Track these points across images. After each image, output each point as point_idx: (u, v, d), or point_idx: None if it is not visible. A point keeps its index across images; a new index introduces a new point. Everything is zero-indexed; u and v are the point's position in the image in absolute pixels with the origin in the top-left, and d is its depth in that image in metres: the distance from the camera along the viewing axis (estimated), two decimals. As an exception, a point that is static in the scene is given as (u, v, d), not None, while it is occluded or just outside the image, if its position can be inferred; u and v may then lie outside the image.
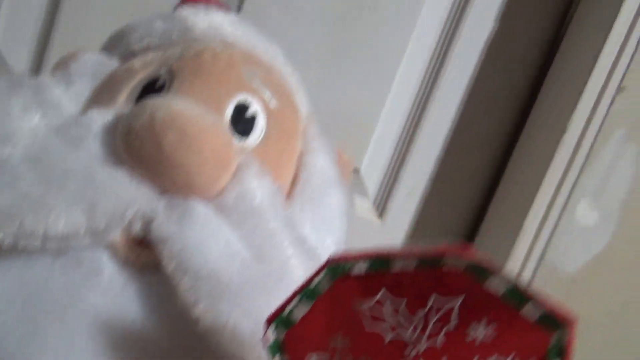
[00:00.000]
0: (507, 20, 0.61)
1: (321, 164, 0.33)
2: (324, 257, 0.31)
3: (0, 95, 0.28)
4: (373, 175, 0.65)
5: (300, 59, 0.61)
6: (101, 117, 0.28)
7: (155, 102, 0.27)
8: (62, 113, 0.29)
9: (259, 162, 0.29)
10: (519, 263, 0.57)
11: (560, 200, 0.56)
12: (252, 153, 0.31)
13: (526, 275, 0.57)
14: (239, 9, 0.60)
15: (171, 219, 0.26)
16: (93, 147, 0.27)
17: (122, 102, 0.31)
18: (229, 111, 0.31)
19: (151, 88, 0.31)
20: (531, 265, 0.57)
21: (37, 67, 0.59)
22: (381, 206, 0.66)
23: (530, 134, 0.61)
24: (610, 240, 0.56)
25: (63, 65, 0.33)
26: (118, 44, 0.35)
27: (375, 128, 0.63)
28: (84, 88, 0.32)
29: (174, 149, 0.25)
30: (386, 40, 0.61)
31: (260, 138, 0.31)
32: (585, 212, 0.56)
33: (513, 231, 0.57)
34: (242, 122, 0.31)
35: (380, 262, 0.19)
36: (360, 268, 0.19)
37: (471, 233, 0.66)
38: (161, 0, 0.58)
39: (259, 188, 0.28)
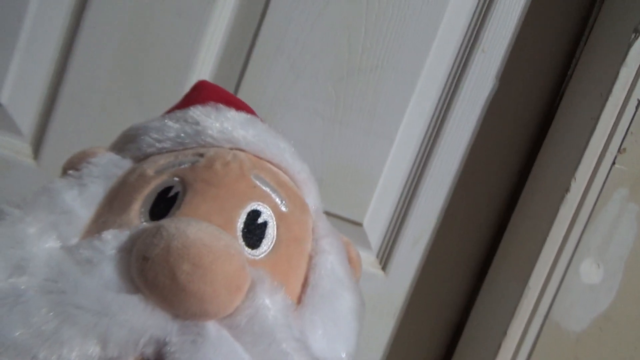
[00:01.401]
0: (507, 78, 0.63)
1: (331, 265, 0.33)
2: None
3: (15, 220, 0.28)
4: (376, 228, 0.65)
5: (303, 114, 0.62)
6: (115, 240, 0.28)
7: (170, 229, 0.27)
8: (76, 223, 0.29)
9: (270, 277, 0.29)
10: (524, 321, 0.57)
11: (564, 258, 0.56)
12: (263, 263, 0.31)
13: (531, 334, 0.57)
14: (244, 67, 0.61)
15: (184, 344, 0.26)
16: (107, 272, 0.27)
17: (136, 212, 0.31)
18: (241, 222, 0.31)
19: (164, 197, 0.31)
20: (536, 323, 0.57)
21: (43, 127, 0.59)
22: (384, 259, 0.66)
23: (533, 192, 0.62)
24: (615, 299, 0.57)
25: (77, 163, 0.33)
26: (130, 146, 0.36)
27: (378, 182, 0.64)
28: (97, 191, 0.32)
29: (188, 280, 0.26)
30: (389, 96, 0.62)
31: (272, 246, 0.32)
32: (589, 271, 0.56)
33: (518, 289, 0.57)
34: (253, 232, 0.32)
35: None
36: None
37: (475, 289, 0.66)
38: (162, 56, 0.59)
39: (271, 306, 0.28)
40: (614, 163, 0.55)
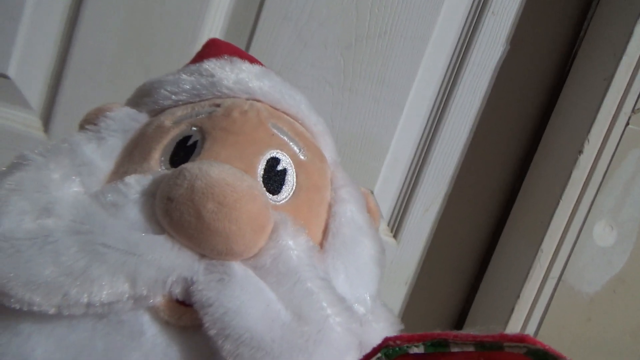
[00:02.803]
0: (518, 42, 0.62)
1: (350, 214, 0.33)
2: (360, 312, 0.31)
3: (39, 166, 0.28)
4: (387, 196, 0.65)
5: (312, 83, 0.61)
6: (138, 184, 0.28)
7: (193, 170, 0.27)
8: (97, 174, 0.29)
9: (292, 219, 0.30)
10: (538, 284, 0.57)
11: (578, 221, 0.56)
12: (285, 209, 0.31)
13: (544, 297, 0.57)
14: (250, 36, 0.60)
15: (211, 282, 0.26)
16: (132, 214, 0.27)
17: (156, 160, 0.31)
18: (261, 168, 0.31)
19: (183, 145, 0.32)
20: (549, 286, 0.57)
21: (51, 100, 0.59)
22: (396, 227, 0.66)
23: (546, 154, 0.61)
24: (629, 261, 0.57)
25: (94, 118, 0.33)
26: (147, 99, 0.35)
27: (388, 149, 0.63)
28: (115, 144, 0.32)
29: (213, 218, 0.26)
30: (398, 62, 0.61)
31: (292, 192, 0.32)
32: (602, 233, 0.56)
33: (531, 252, 0.57)
34: (273, 178, 0.32)
35: (438, 345, 0.19)
36: (417, 349, 0.19)
37: (488, 253, 0.66)
38: (173, 26, 0.59)
39: (295, 247, 0.28)
40: (627, 123, 0.54)
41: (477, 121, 0.63)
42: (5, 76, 0.58)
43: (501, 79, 0.62)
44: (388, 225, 0.66)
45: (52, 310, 0.24)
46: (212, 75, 0.34)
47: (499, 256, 0.63)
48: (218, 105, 0.33)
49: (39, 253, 0.25)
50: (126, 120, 0.33)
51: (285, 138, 0.34)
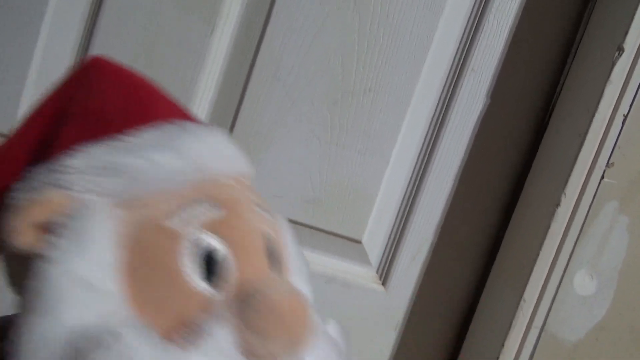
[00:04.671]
0: (498, 96, 0.64)
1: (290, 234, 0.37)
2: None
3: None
4: (375, 245, 0.67)
5: (300, 137, 0.64)
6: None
7: (280, 295, 0.28)
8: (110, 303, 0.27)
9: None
10: (521, 333, 0.58)
11: (558, 271, 0.58)
12: None
13: (529, 346, 0.58)
14: (242, 94, 0.63)
15: None
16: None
17: (189, 282, 0.29)
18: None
19: (209, 259, 0.30)
20: (533, 335, 0.58)
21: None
22: (384, 275, 0.68)
23: (526, 206, 0.63)
24: (610, 309, 0.58)
25: (45, 224, 0.28)
26: (109, 182, 0.30)
27: (375, 200, 0.66)
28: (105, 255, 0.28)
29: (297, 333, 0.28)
30: (383, 117, 0.64)
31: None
32: (583, 282, 0.58)
33: (514, 302, 0.59)
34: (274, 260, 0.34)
35: None
36: None
37: (474, 300, 0.67)
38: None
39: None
40: (602, 177, 0.57)
41: (460, 172, 0.65)
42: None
43: (482, 132, 0.65)
44: (377, 273, 0.68)
45: None
46: (195, 162, 0.31)
47: (484, 305, 0.65)
48: (214, 199, 0.31)
49: None
50: (94, 222, 0.29)
51: (265, 215, 0.34)
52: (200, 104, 0.63)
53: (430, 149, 0.65)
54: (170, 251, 0.29)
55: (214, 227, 0.30)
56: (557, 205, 0.57)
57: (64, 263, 0.27)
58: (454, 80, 0.64)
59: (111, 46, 0.61)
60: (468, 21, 0.64)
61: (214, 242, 0.30)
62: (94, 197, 0.29)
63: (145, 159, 0.30)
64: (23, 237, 0.28)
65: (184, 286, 0.29)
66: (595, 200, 0.57)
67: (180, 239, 0.29)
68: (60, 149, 0.31)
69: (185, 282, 0.29)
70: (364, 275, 0.68)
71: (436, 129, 0.65)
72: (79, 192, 0.29)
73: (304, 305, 0.29)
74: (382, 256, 0.68)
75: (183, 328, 0.27)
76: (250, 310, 0.27)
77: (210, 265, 0.29)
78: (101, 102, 0.33)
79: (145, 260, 0.29)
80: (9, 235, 0.28)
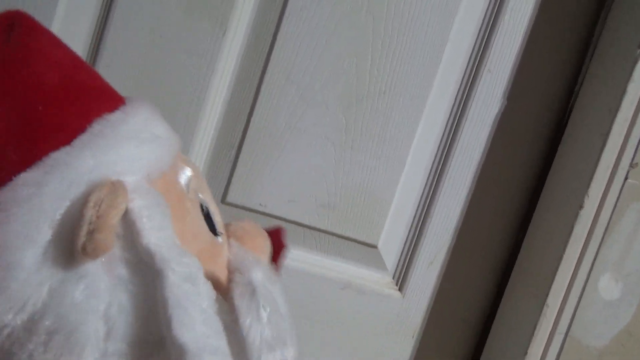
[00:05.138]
0: (515, 97, 0.63)
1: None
2: None
3: None
4: (391, 250, 0.66)
5: (315, 141, 0.63)
6: None
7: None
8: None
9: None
10: (545, 339, 0.57)
11: (582, 275, 0.56)
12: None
13: (552, 353, 0.57)
14: (255, 98, 0.62)
15: None
16: None
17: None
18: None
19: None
20: (557, 342, 0.57)
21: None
22: (400, 280, 0.66)
23: (547, 209, 0.62)
24: (636, 314, 0.57)
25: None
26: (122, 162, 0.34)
27: (391, 204, 0.64)
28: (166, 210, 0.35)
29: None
30: (398, 120, 0.63)
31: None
32: (607, 286, 0.56)
33: (537, 307, 0.57)
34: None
35: None
36: None
37: (494, 306, 0.66)
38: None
39: None
40: (626, 178, 0.55)
41: (477, 175, 0.64)
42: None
43: (499, 134, 0.64)
44: (393, 278, 0.67)
45: None
46: (153, 140, 0.35)
47: (505, 311, 0.63)
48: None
49: None
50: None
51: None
52: (213, 108, 0.62)
53: (447, 152, 0.64)
54: (198, 217, 0.37)
55: (199, 190, 0.38)
56: (581, 207, 0.56)
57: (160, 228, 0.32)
58: (470, 81, 0.63)
59: (121, 50, 0.60)
60: (483, 21, 0.63)
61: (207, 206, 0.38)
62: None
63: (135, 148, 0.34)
64: (110, 242, 0.30)
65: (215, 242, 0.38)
66: (619, 201, 0.55)
67: (197, 205, 0.38)
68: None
69: (215, 239, 0.38)
70: (380, 280, 0.67)
71: (452, 131, 0.64)
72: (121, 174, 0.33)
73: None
74: (399, 261, 0.66)
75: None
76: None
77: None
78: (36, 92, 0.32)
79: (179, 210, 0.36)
80: (97, 249, 0.30)
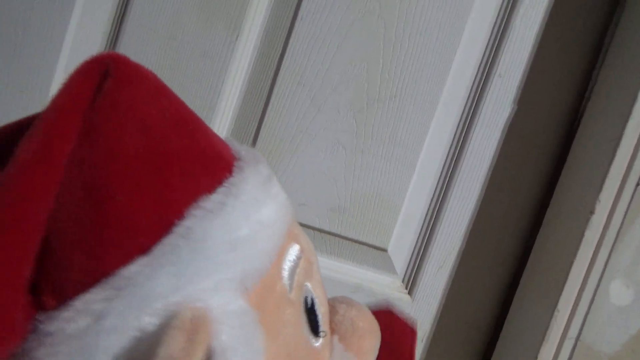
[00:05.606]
0: (525, 102, 0.63)
1: None
2: None
3: None
4: (401, 253, 0.66)
5: (326, 145, 0.64)
6: None
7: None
8: None
9: None
10: (555, 344, 0.57)
11: (593, 280, 0.56)
12: None
13: (563, 357, 0.57)
14: (266, 102, 0.63)
15: None
16: None
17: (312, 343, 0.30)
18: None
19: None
20: (567, 347, 0.56)
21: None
22: (410, 284, 0.66)
23: (558, 214, 0.62)
24: (647, 320, 0.56)
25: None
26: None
27: (401, 208, 0.65)
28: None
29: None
30: (408, 124, 0.63)
31: None
32: (619, 292, 0.56)
33: (547, 312, 0.57)
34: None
35: None
36: None
37: (503, 312, 0.66)
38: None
39: None
40: (638, 184, 0.55)
41: (488, 179, 0.64)
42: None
43: (509, 139, 0.64)
44: (402, 282, 0.67)
45: None
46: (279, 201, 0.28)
47: (515, 316, 0.63)
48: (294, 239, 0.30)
49: None
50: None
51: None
52: (225, 111, 0.63)
53: (457, 156, 0.64)
54: (297, 324, 0.28)
55: (307, 276, 0.29)
56: (592, 212, 0.56)
57: None
58: (480, 86, 0.63)
59: (135, 53, 0.61)
60: (494, 26, 0.63)
61: (314, 298, 0.30)
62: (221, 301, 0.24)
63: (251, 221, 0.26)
64: None
65: (312, 351, 0.29)
66: (630, 207, 0.55)
67: (299, 306, 0.29)
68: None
69: (312, 348, 0.29)
70: (390, 284, 0.67)
71: (462, 135, 0.64)
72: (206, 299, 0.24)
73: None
74: (408, 265, 0.66)
75: None
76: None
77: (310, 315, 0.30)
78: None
79: (275, 324, 0.27)
80: None
